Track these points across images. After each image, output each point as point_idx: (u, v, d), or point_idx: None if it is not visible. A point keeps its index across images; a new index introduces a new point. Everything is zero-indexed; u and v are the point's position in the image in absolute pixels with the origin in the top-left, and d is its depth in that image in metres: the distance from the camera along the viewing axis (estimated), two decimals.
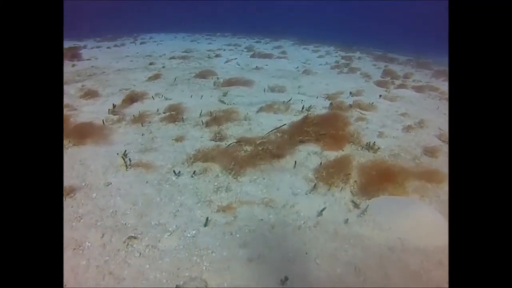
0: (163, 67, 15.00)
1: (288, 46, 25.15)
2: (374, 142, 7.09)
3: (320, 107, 9.58)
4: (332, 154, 6.51)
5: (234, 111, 8.51)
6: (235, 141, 6.69)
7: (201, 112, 8.24)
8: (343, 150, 6.91)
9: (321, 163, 6.10)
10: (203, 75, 12.91)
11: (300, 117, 8.16)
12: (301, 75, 14.31)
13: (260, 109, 8.78)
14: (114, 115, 8.36)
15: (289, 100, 9.61)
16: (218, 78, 12.47)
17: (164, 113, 8.55)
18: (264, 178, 5.50)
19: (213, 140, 6.86)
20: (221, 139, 6.88)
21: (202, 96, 9.96)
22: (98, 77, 13.43)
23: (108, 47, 22.42)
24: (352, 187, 5.45)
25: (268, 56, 19.07)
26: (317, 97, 10.90)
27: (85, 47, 21.67)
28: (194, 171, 5.50)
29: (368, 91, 12.29)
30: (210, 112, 8.24)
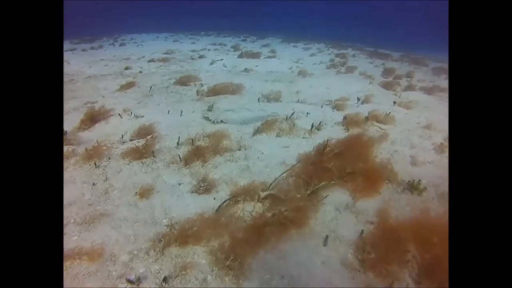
0: (140, 72, 12.26)
1: (276, 44, 22.51)
2: (419, 181, 4.65)
3: (331, 123, 7.11)
4: (370, 205, 4.09)
5: (224, 135, 5.99)
6: (228, 195, 4.16)
7: (178, 140, 5.63)
8: (380, 193, 4.36)
9: (362, 231, 3.64)
10: (184, 81, 10.29)
11: (311, 140, 5.72)
12: (297, 78, 11.82)
13: (258, 130, 6.25)
14: (65, 145, 5.70)
15: (292, 114, 7.07)
16: (202, 85, 9.86)
17: (131, 140, 5.93)
18: (282, 277, 3.02)
19: (196, 193, 4.30)
20: (207, 189, 4.33)
21: (182, 111, 7.34)
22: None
23: (84, 50, 19.52)
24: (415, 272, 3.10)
25: (256, 55, 16.46)
26: (321, 106, 8.46)
27: None
28: (165, 277, 2.97)
29: (377, 96, 9.91)
30: (191, 140, 5.65)
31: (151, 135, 6.03)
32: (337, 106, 8.55)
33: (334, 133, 6.63)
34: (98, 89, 10.18)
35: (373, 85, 11.64)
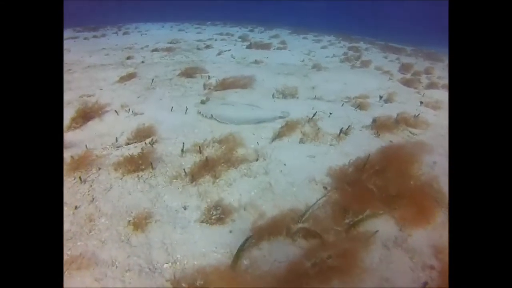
0: (142, 62, 11.06)
1: (285, 35, 21.08)
2: None
3: (358, 125, 5.98)
4: (424, 241, 3.26)
5: (237, 140, 4.83)
6: (248, 227, 3.07)
7: (183, 146, 4.50)
8: (430, 223, 3.52)
9: (426, 283, 2.59)
10: (190, 72, 9.10)
11: (339, 148, 4.63)
12: (311, 71, 10.59)
13: (277, 135, 5.11)
14: None
15: (314, 115, 5.93)
16: (209, 77, 8.67)
17: (127, 144, 4.82)
18: None
19: (206, 223, 3.20)
20: (221, 218, 3.23)
21: (187, 108, 6.18)
22: None
23: (86, 38, 18.21)
24: None
25: (266, 46, 15.16)
26: (342, 105, 7.31)
27: None
28: None
29: (399, 94, 8.74)
30: (199, 146, 4.51)
31: (150, 138, 4.89)
32: (359, 105, 7.39)
33: (364, 139, 5.51)
34: (96, 80, 9.03)
35: (393, 81, 10.43)
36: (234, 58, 12.69)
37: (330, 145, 5.12)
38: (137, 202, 3.57)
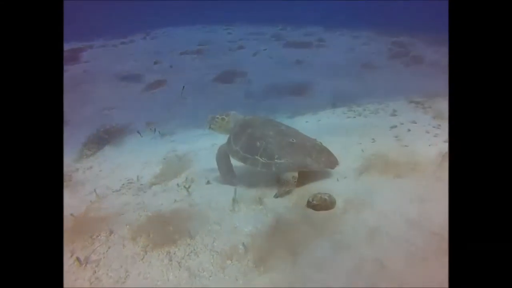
0: (171, 66, 9.47)
1: (321, 32, 19.06)
2: None
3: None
4: None
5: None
6: None
7: (235, 194, 2.79)
8: None
9: None
10: (227, 77, 7.40)
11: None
12: (364, 71, 8.64)
13: (362, 169, 3.31)
14: None
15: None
16: (249, 82, 6.90)
17: (151, 184, 3.22)
18: None
19: None
20: None
21: None
22: (81, 88, 8.16)
23: (114, 45, 16.98)
24: None
25: (305, 45, 13.21)
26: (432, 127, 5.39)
27: (91, 47, 16.22)
28: None
29: None
30: (259, 198, 2.79)
31: (184, 178, 3.25)
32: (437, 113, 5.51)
33: None
34: (119, 91, 7.52)
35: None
36: (272, 58, 10.91)
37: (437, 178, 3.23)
38: None
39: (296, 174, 3.21)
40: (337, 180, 3.34)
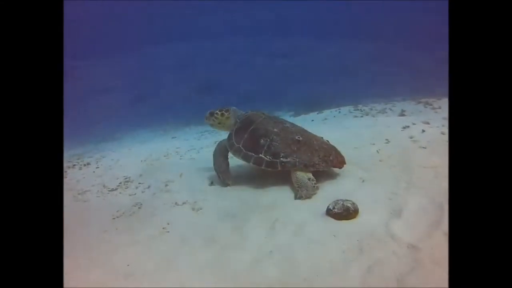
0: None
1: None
2: None
3: None
4: None
5: None
6: None
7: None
8: None
9: None
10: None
11: None
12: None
13: None
14: None
15: None
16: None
17: None
18: None
19: None
20: None
21: None
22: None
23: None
24: None
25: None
26: None
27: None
28: None
29: None
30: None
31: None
32: None
33: None
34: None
35: None
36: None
37: None
38: None
39: (311, 175, 2.94)
40: (362, 181, 3.01)
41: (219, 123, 3.65)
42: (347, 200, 2.37)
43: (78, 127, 12.81)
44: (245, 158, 3.17)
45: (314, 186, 2.89)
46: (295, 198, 2.84)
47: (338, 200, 2.38)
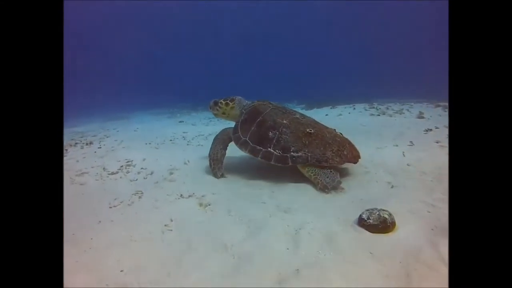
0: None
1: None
2: None
3: None
4: None
5: None
6: None
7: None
8: None
9: None
10: None
11: None
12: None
13: None
14: None
15: None
16: None
17: None
18: None
19: None
20: None
21: None
22: None
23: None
24: None
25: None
26: None
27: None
28: None
29: None
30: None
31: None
32: None
33: None
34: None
35: None
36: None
37: None
38: None
39: (338, 177, 2.67)
40: (391, 186, 2.63)
41: (223, 113, 3.34)
42: (383, 210, 1.97)
43: (85, 104, 12.48)
44: (253, 152, 2.85)
45: (336, 180, 2.62)
46: (318, 189, 2.58)
47: (373, 210, 1.98)
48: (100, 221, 2.14)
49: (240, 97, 3.35)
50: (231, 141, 3.10)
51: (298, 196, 2.49)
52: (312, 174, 2.67)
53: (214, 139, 3.17)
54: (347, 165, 3.12)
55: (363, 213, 1.98)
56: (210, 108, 3.40)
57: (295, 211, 2.19)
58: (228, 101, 3.27)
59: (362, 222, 1.94)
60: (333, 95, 9.52)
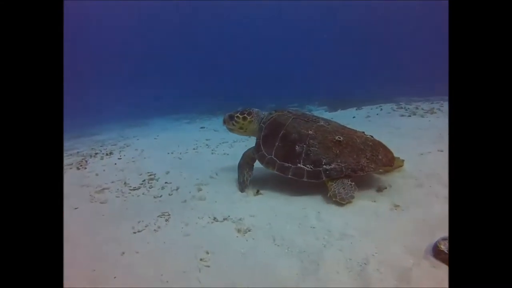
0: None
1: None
2: None
3: None
4: None
5: None
6: None
7: None
8: None
9: None
10: None
11: None
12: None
13: None
14: None
15: None
16: None
17: None
18: None
19: None
20: None
21: None
22: None
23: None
24: None
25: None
26: None
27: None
28: None
29: None
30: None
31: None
32: None
33: None
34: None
35: None
36: None
37: None
38: None
39: (354, 191, 2.37)
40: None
41: (240, 128, 2.99)
42: None
43: (105, 111, 12.38)
44: (281, 170, 2.52)
45: (350, 185, 2.35)
46: (329, 195, 2.32)
47: None
48: (123, 253, 1.82)
49: (257, 109, 3.00)
50: (255, 161, 2.76)
51: (348, 217, 2.11)
52: (332, 183, 2.37)
53: (238, 166, 2.86)
54: (391, 176, 2.73)
55: (439, 242, 1.60)
56: (225, 123, 3.05)
57: (351, 238, 1.80)
58: (245, 115, 2.93)
59: (441, 255, 1.56)
60: (354, 94, 9.05)
